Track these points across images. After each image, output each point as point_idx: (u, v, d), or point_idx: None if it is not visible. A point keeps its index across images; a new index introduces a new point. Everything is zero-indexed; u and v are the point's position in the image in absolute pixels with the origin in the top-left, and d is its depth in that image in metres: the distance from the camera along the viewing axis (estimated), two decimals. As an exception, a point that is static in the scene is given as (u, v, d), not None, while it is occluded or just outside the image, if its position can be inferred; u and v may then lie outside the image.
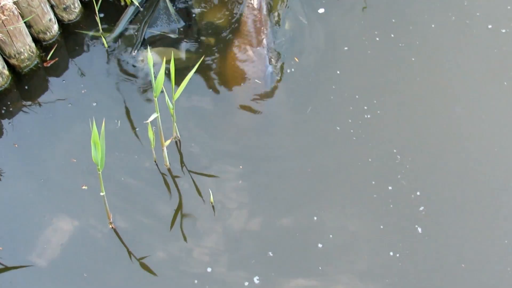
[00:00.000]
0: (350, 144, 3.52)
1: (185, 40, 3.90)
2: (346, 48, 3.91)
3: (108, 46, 3.84)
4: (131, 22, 3.93)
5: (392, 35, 3.96)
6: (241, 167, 3.43)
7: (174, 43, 3.89)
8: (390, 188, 3.37)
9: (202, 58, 3.77)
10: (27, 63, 3.72)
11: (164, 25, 3.96)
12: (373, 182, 3.39)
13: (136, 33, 3.88)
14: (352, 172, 3.44)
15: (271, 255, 3.19)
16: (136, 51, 3.80)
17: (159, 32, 3.92)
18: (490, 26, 4.01)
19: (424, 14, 4.06)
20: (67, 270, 3.12)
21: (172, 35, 3.92)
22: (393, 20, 4.02)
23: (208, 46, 3.89)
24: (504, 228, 3.28)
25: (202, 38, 3.93)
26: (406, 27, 4.00)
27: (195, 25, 3.97)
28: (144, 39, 3.87)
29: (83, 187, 3.34)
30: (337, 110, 3.66)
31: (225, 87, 3.74)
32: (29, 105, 3.64)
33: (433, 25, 4.02)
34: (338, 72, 3.81)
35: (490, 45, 3.93)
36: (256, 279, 3.13)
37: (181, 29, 3.95)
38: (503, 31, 3.99)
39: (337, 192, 3.38)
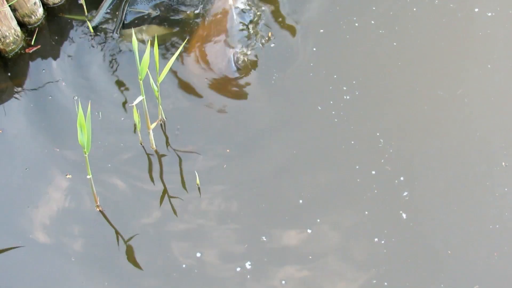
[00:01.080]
0: (332, 126, 3.54)
1: (166, 16, 3.90)
2: (322, 30, 3.93)
3: (93, 30, 3.83)
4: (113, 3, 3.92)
5: (372, 22, 3.97)
6: (228, 150, 3.45)
7: (156, 21, 3.89)
8: (373, 172, 3.40)
9: (186, 40, 3.78)
10: (12, 47, 3.70)
11: (145, 2, 3.95)
12: (357, 167, 3.41)
13: (117, 13, 3.86)
14: (335, 156, 3.46)
15: (264, 239, 3.19)
16: (118, 32, 3.79)
17: (140, 10, 3.91)
18: (476, 10, 4.03)
19: None
20: (54, 255, 3.13)
21: (153, 12, 3.91)
22: (373, 8, 4.04)
23: (187, 20, 3.90)
24: (490, 213, 3.31)
25: (182, 11, 3.93)
26: (387, 13, 4.01)
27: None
28: (125, 18, 3.86)
29: (67, 176, 3.34)
30: (318, 88, 3.67)
31: (200, 69, 3.75)
32: (14, 91, 3.62)
33: (415, 9, 4.04)
34: (314, 49, 3.83)
35: (474, 29, 3.95)
36: (248, 265, 3.14)
37: (162, 5, 3.94)
38: (489, 14, 4.01)
39: (321, 176, 3.40)
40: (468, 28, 3.96)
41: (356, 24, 3.95)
